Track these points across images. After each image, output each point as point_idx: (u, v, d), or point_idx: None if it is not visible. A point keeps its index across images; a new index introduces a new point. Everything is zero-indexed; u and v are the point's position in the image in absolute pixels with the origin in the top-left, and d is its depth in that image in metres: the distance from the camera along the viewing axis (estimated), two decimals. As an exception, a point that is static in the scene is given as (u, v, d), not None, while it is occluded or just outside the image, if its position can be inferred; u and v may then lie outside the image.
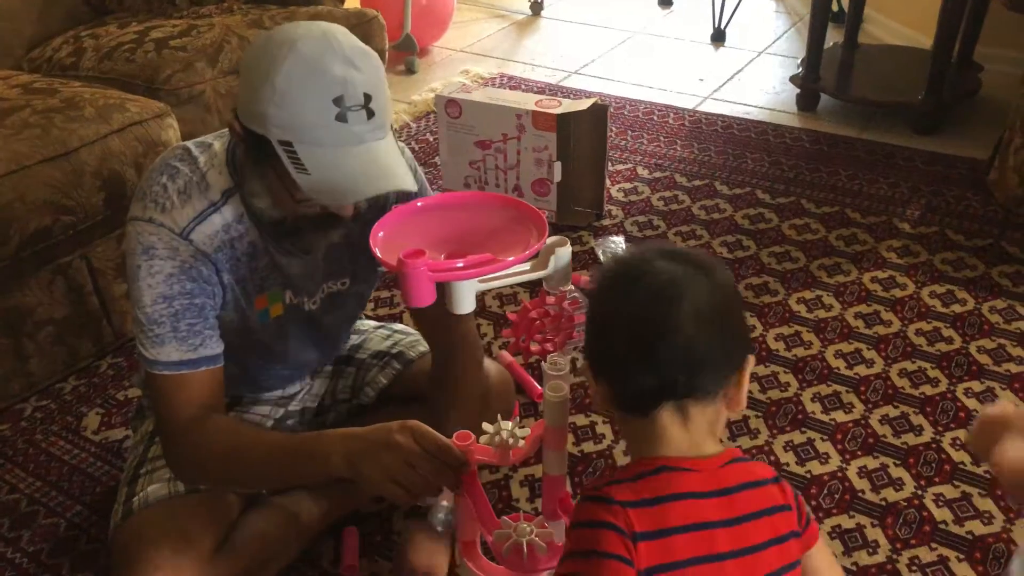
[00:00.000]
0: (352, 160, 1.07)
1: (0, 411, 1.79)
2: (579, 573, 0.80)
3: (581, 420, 1.72)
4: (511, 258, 0.95)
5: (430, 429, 1.13)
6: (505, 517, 1.16)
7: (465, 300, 0.98)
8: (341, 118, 1.06)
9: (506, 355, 1.84)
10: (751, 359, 0.86)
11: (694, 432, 0.85)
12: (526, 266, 1.03)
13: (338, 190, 1.08)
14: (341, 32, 1.10)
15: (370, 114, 1.08)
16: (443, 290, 0.99)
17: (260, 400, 1.49)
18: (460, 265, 0.94)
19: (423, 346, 1.59)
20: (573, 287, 1.05)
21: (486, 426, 1.13)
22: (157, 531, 1.24)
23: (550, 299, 1.03)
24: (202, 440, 1.23)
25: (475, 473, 1.17)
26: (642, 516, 0.80)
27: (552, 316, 1.03)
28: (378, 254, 0.96)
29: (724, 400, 0.86)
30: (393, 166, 1.11)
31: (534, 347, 1.05)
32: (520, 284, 2.11)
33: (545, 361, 1.08)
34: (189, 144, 1.25)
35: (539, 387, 1.78)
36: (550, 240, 1.02)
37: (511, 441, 1.12)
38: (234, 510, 1.34)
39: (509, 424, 1.13)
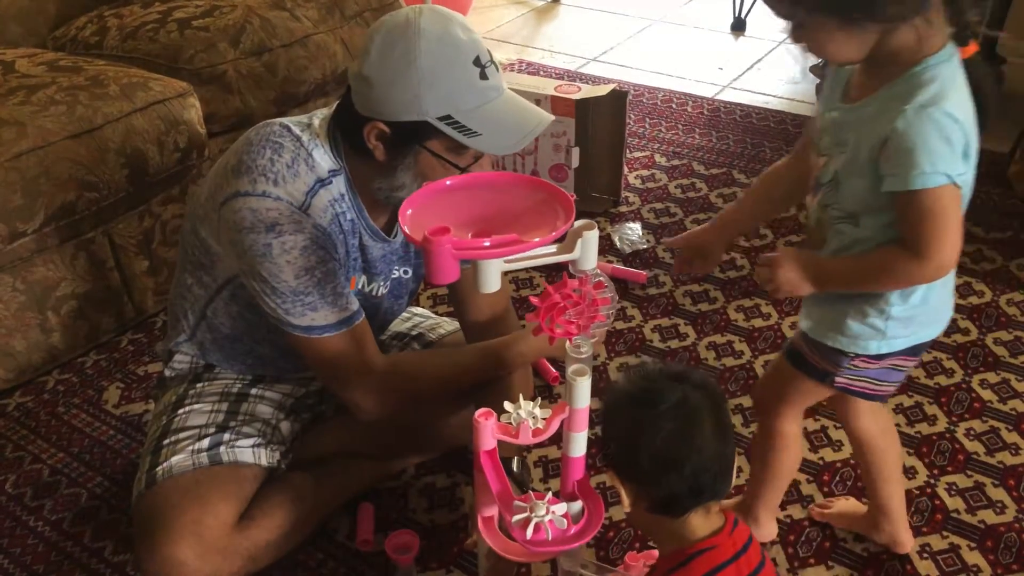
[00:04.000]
0: (505, 107, 1.17)
1: (23, 384, 1.82)
2: None
3: (595, 405, 1.73)
4: (536, 239, 0.96)
5: None
6: (524, 494, 1.17)
7: (491, 280, 0.99)
8: (483, 76, 1.14)
9: (523, 338, 1.85)
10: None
11: (710, 516, 1.06)
12: (551, 248, 1.03)
13: (512, 136, 1.17)
14: (438, 5, 1.18)
15: (497, 66, 1.17)
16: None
17: (282, 379, 1.50)
18: (486, 244, 0.95)
19: (442, 329, 1.60)
20: (597, 270, 1.05)
21: (507, 405, 1.14)
22: (180, 499, 1.26)
23: (574, 282, 1.04)
24: (391, 370, 1.33)
25: (495, 450, 1.18)
26: None
27: (576, 299, 1.03)
28: (406, 230, 0.97)
29: None
30: (530, 105, 1.21)
31: (558, 330, 1.05)
32: (536, 268, 2.13)
33: (569, 344, 1.09)
34: (287, 121, 1.26)
35: (554, 370, 1.80)
36: (577, 223, 1.02)
37: (531, 421, 1.13)
38: (253, 484, 1.36)
39: (530, 404, 1.14)
